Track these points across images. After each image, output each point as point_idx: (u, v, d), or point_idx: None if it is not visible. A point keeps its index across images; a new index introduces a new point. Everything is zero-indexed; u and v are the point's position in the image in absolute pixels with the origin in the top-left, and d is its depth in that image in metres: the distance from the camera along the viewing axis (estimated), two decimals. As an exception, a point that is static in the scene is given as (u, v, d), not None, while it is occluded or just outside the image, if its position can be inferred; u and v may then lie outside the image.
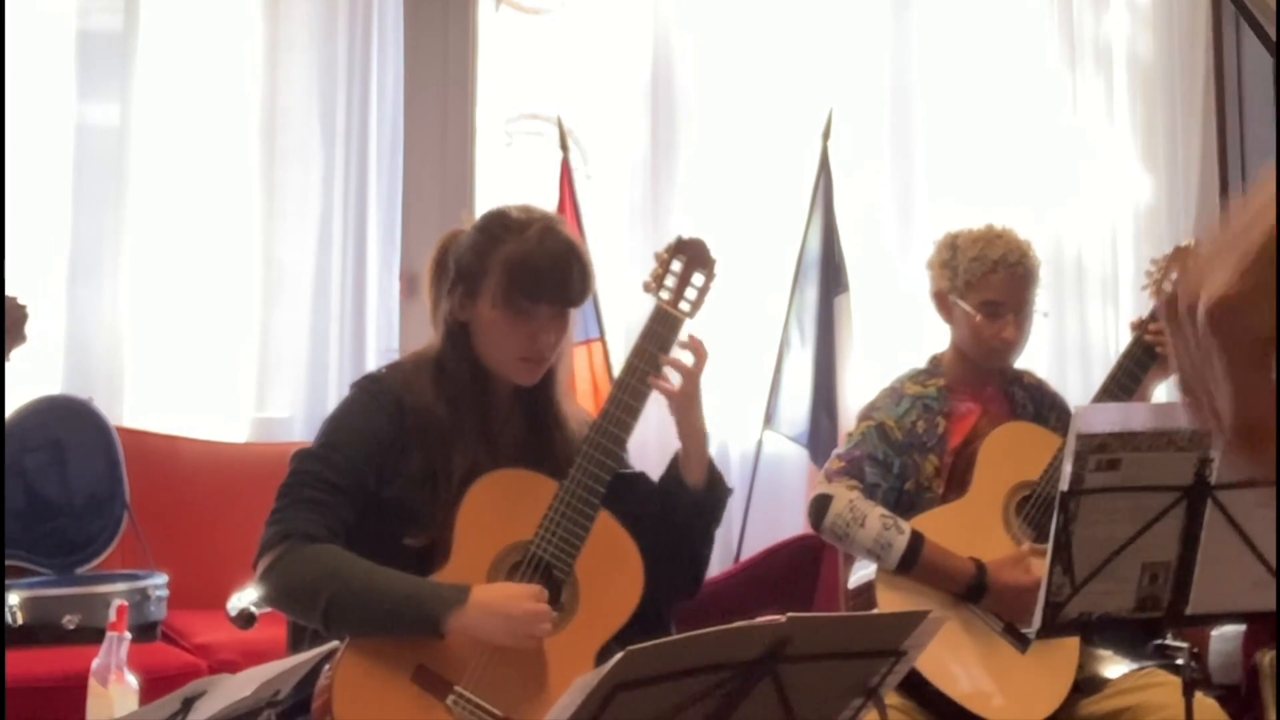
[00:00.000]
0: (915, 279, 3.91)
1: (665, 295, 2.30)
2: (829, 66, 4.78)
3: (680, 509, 2.31)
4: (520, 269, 2.20)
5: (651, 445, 4.42)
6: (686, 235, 2.37)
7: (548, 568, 2.17)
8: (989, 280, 2.81)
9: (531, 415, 2.31)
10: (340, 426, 2.24)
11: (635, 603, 2.23)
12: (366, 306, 4.37)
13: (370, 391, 2.27)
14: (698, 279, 2.32)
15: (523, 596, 2.10)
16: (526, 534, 2.19)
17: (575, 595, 2.19)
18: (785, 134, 4.72)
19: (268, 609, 2.30)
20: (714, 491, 2.35)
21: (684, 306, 2.30)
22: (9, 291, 2.21)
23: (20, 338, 2.19)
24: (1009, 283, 2.81)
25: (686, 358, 2.27)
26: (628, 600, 2.23)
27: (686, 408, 2.29)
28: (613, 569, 2.22)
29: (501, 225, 2.25)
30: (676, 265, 2.31)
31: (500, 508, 2.19)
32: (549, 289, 2.21)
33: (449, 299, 2.26)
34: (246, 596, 2.56)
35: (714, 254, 2.35)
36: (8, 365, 2.18)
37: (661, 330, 2.28)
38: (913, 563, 2.66)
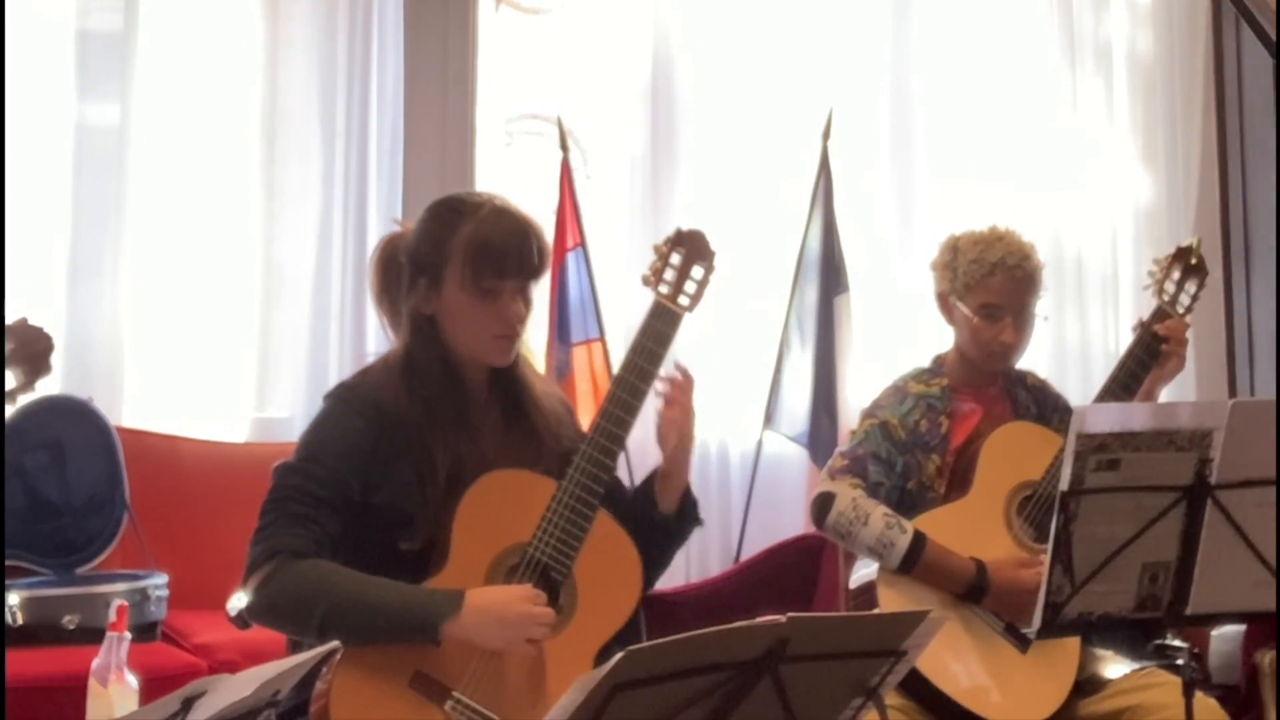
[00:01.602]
0: (915, 279, 3.91)
1: (664, 289, 2.28)
2: (829, 66, 4.78)
3: (645, 527, 2.28)
4: (483, 248, 2.19)
5: (652, 445, 4.42)
6: (685, 227, 2.35)
7: (545, 569, 2.16)
8: (988, 283, 2.81)
9: (506, 400, 2.30)
10: (319, 438, 2.22)
11: (634, 604, 2.22)
12: (366, 306, 4.36)
13: (345, 400, 2.25)
14: (697, 272, 2.29)
15: (518, 599, 2.09)
16: (524, 536, 2.18)
17: (573, 597, 2.18)
18: (785, 134, 4.72)
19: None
20: (683, 521, 2.33)
21: (683, 301, 2.28)
22: (34, 321, 2.23)
23: (46, 368, 2.20)
24: (1008, 285, 2.81)
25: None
26: (626, 601, 2.22)
27: (680, 437, 2.27)
28: (611, 570, 2.21)
29: (452, 210, 2.24)
30: (675, 258, 2.29)
31: (498, 509, 2.18)
32: (513, 263, 2.20)
33: (411, 295, 2.24)
34: (247, 602, 2.56)
35: (713, 246, 2.33)
36: (33, 391, 2.19)
37: (661, 325, 2.26)
38: (915, 562, 2.66)
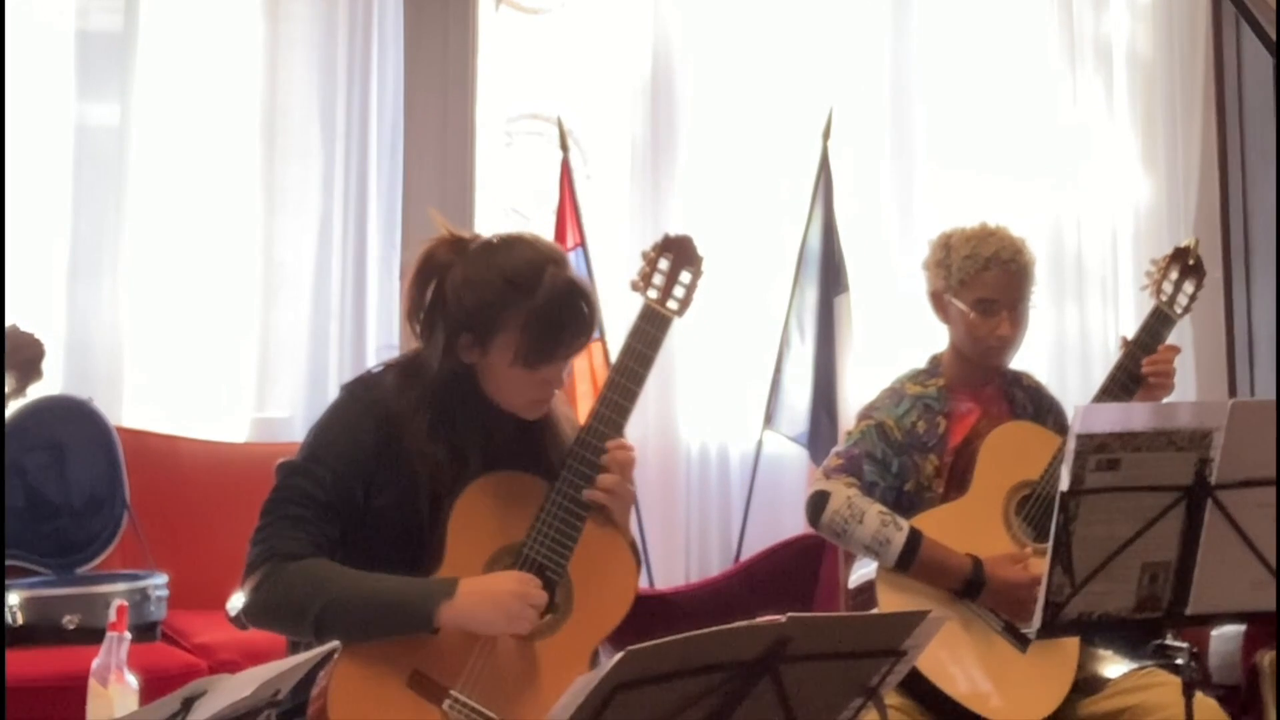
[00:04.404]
0: (915, 279, 3.91)
1: (653, 294, 2.30)
2: (829, 66, 4.78)
3: None
4: (540, 334, 2.15)
5: (651, 444, 4.43)
6: (673, 233, 2.36)
7: (541, 569, 2.17)
8: (982, 278, 2.82)
9: (523, 421, 2.29)
10: (327, 437, 2.21)
11: (629, 603, 2.23)
12: (366, 306, 4.37)
13: (360, 399, 2.23)
14: (685, 276, 2.32)
15: (511, 579, 2.10)
16: (518, 537, 2.18)
17: (569, 596, 2.19)
18: (785, 134, 4.72)
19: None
20: None
21: (672, 305, 2.30)
22: (23, 327, 2.23)
23: (37, 374, 2.20)
24: (1002, 279, 2.82)
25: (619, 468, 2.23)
26: (621, 601, 2.22)
27: (619, 514, 2.24)
28: (606, 570, 2.22)
29: (507, 282, 2.16)
30: (664, 263, 2.31)
31: (492, 511, 2.19)
32: (566, 345, 2.19)
33: (452, 346, 2.19)
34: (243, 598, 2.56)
35: (701, 251, 2.34)
36: (24, 396, 2.20)
37: (650, 329, 2.28)
38: (911, 559, 2.66)
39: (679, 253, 2.33)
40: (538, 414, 2.25)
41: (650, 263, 2.32)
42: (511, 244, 2.22)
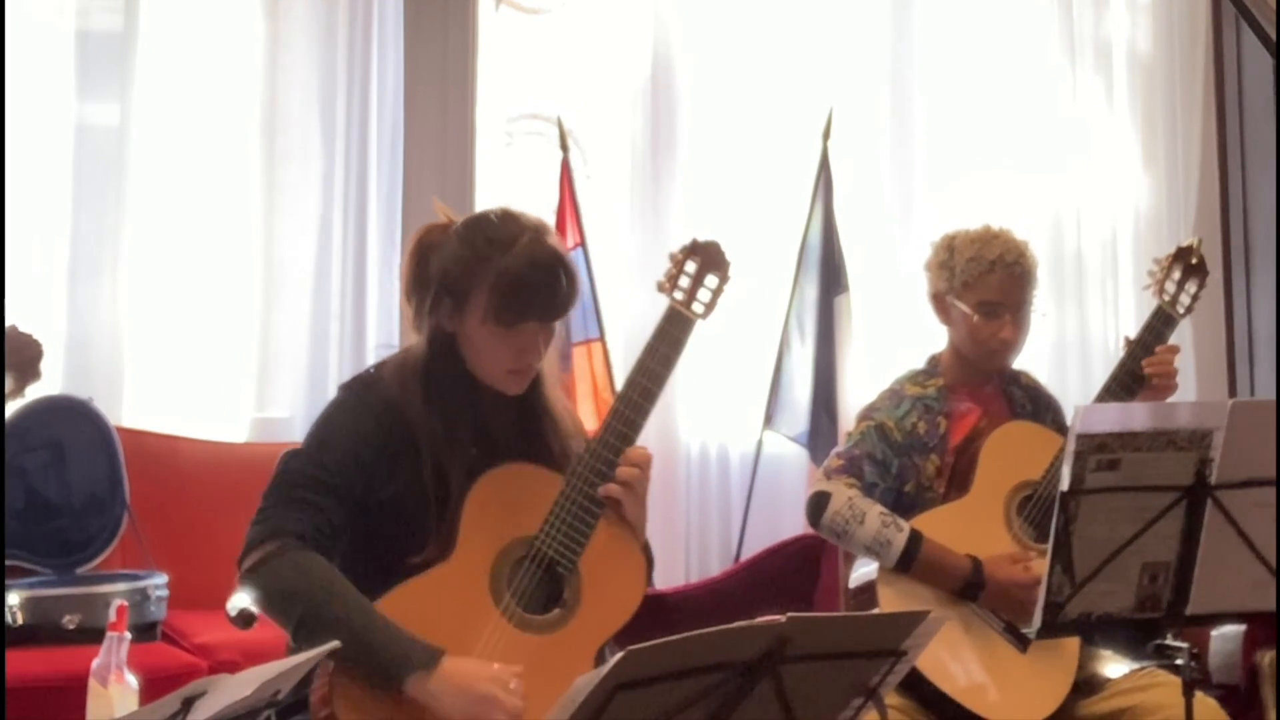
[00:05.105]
0: (915, 279, 3.92)
1: (679, 295, 2.30)
2: (829, 66, 4.78)
3: None
4: (509, 289, 2.16)
5: (651, 444, 4.42)
6: (702, 238, 2.37)
7: (551, 563, 2.17)
8: (986, 280, 2.81)
9: (521, 409, 2.30)
10: (329, 427, 2.21)
11: (637, 602, 2.22)
12: (366, 306, 4.37)
13: (359, 394, 2.24)
14: (711, 281, 2.33)
15: (490, 680, 2.04)
16: (531, 529, 2.18)
17: (578, 592, 2.19)
18: (785, 134, 4.73)
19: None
20: None
21: (697, 308, 2.31)
22: (22, 327, 2.23)
23: (35, 374, 2.20)
24: (1006, 282, 2.81)
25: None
26: (630, 599, 2.22)
27: (633, 509, 2.25)
28: (616, 567, 2.22)
29: (486, 240, 2.21)
30: (690, 266, 2.32)
31: (505, 503, 2.19)
32: (537, 306, 2.19)
33: (434, 312, 2.22)
34: (246, 596, 2.56)
35: (728, 257, 2.35)
36: (23, 396, 2.20)
37: (674, 330, 2.28)
38: (911, 560, 2.66)
39: (706, 257, 2.34)
40: (517, 389, 2.25)
41: (677, 265, 2.32)
42: (501, 217, 2.25)
